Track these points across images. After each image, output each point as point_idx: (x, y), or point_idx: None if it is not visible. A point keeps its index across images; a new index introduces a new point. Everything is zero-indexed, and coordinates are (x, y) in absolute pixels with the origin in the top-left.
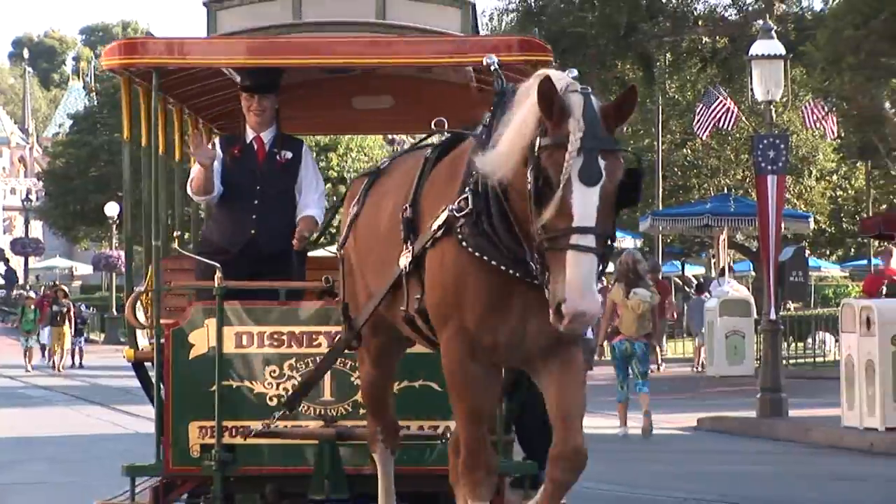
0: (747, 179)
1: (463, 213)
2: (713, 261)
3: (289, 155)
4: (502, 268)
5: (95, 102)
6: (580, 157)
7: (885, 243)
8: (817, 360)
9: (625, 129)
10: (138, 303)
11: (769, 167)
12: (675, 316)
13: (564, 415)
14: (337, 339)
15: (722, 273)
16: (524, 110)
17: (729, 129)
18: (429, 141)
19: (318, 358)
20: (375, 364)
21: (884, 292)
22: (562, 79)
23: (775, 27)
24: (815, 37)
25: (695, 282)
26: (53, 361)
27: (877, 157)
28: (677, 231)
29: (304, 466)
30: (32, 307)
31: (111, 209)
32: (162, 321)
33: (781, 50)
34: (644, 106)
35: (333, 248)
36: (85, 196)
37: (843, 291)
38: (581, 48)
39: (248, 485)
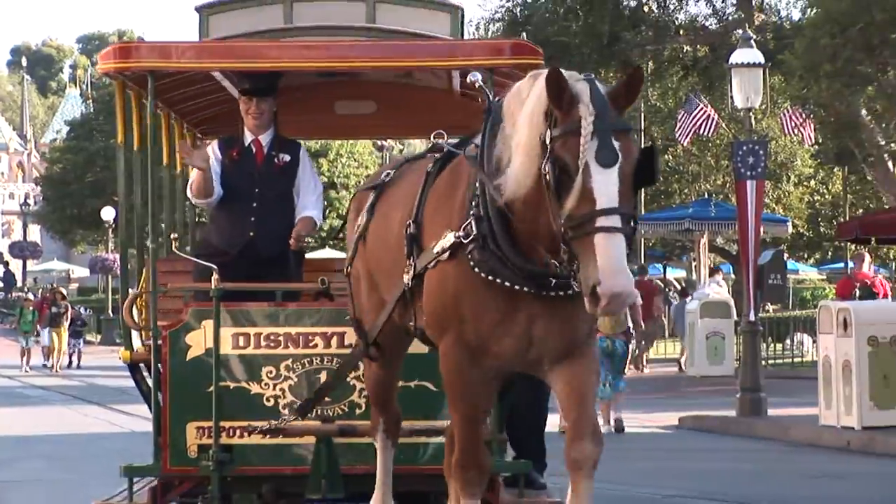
0: (727, 185)
1: (470, 238)
2: (694, 264)
3: (287, 157)
4: (516, 287)
5: (92, 109)
6: (594, 140)
7: (861, 247)
8: (795, 360)
9: None
10: (134, 305)
11: (748, 172)
12: (661, 316)
13: (579, 395)
14: (352, 350)
15: (712, 273)
16: (528, 108)
17: (709, 135)
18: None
19: (314, 359)
20: (384, 366)
21: (857, 295)
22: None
23: (755, 36)
24: (794, 46)
25: (678, 286)
26: (51, 361)
27: (853, 162)
28: (659, 235)
29: (301, 466)
30: (31, 308)
31: (107, 213)
32: (159, 323)
33: (760, 58)
34: (627, 113)
35: (333, 251)
36: (81, 200)
37: (820, 294)
38: (565, 57)
39: (246, 485)
